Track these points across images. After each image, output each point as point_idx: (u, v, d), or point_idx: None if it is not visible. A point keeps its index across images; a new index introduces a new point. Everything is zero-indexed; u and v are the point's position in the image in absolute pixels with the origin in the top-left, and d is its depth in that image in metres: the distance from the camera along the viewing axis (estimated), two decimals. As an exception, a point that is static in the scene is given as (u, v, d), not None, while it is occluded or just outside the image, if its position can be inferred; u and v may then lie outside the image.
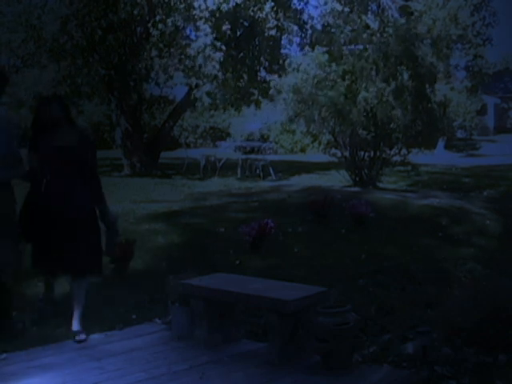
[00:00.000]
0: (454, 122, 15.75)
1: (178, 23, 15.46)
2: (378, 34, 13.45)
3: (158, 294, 5.89)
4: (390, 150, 13.93)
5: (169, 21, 15.30)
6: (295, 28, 17.48)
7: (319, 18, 17.53)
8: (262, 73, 17.85)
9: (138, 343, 4.94)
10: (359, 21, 13.96)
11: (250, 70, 17.22)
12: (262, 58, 17.50)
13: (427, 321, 5.71)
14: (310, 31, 17.82)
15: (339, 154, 14.24)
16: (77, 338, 5.01)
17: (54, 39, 15.74)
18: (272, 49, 17.16)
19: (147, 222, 9.28)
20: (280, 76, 15.76)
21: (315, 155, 21.30)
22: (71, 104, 17.24)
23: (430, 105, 13.51)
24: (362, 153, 13.91)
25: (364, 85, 13.02)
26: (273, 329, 4.61)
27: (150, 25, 15.84)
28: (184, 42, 16.05)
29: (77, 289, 5.17)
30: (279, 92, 14.58)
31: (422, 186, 14.88)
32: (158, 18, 15.74)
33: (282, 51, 17.82)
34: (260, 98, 18.25)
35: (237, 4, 15.13)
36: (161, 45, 16.09)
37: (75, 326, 5.09)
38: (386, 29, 13.63)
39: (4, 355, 4.71)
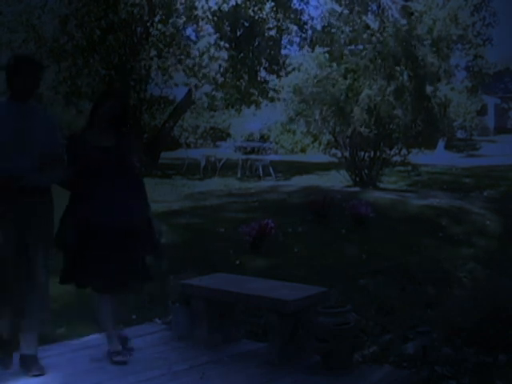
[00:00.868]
0: (454, 122, 15.74)
1: (178, 23, 15.48)
2: (378, 35, 13.46)
3: (158, 294, 5.89)
4: (390, 150, 13.94)
5: (169, 21, 15.33)
6: (295, 28, 17.49)
7: (319, 19, 17.55)
8: (262, 73, 17.87)
9: (138, 343, 4.93)
10: (359, 21, 13.97)
11: (250, 70, 17.23)
12: (262, 59, 17.51)
13: (427, 321, 5.71)
14: (310, 31, 17.83)
15: (339, 154, 14.24)
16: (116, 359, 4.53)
17: (54, 39, 15.76)
18: (272, 49, 17.17)
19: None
20: (279, 76, 15.77)
21: (315, 155, 21.28)
22: (72, 104, 17.28)
23: (430, 105, 13.51)
24: (362, 153, 13.91)
25: (367, 82, 13.03)
26: (273, 329, 4.61)
27: (149, 25, 15.86)
28: (184, 43, 16.07)
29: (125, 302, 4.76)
30: (278, 92, 14.58)
31: (422, 186, 14.88)
32: (157, 18, 15.76)
33: (282, 51, 17.84)
34: (260, 98, 18.27)
35: (237, 4, 15.14)
36: (161, 45, 16.11)
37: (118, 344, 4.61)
38: (386, 29, 13.64)
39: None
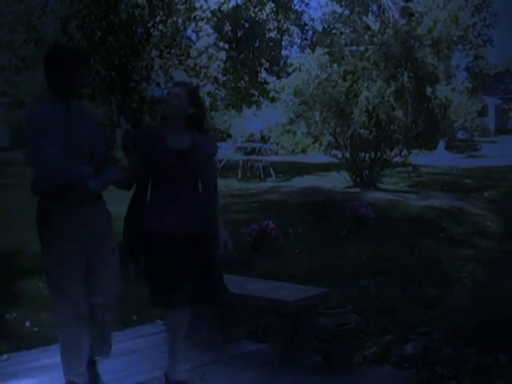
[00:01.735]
0: (454, 122, 15.70)
1: (179, 24, 15.50)
2: (379, 35, 13.46)
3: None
4: (391, 150, 13.93)
5: (169, 22, 15.35)
6: (296, 29, 17.51)
7: (320, 20, 17.57)
8: (263, 74, 17.89)
9: (139, 344, 4.93)
10: (360, 22, 13.97)
11: (250, 71, 17.26)
12: (262, 59, 17.53)
13: (428, 321, 5.71)
14: (310, 33, 17.86)
15: (340, 155, 14.23)
16: None
17: (54, 40, 15.77)
18: (272, 50, 17.20)
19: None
20: (280, 77, 15.77)
21: (316, 156, 21.27)
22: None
23: (430, 106, 13.51)
24: (363, 154, 13.90)
25: (366, 84, 13.03)
26: (273, 329, 4.61)
27: (150, 26, 15.87)
28: (185, 43, 16.09)
29: (205, 318, 4.25)
30: (279, 92, 14.58)
31: (423, 187, 14.86)
32: (158, 18, 15.78)
33: (283, 52, 17.87)
34: (261, 98, 18.29)
35: (237, 4, 15.17)
36: (161, 45, 16.12)
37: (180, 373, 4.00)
38: (387, 30, 13.64)
39: (5, 356, 4.72)
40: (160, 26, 15.53)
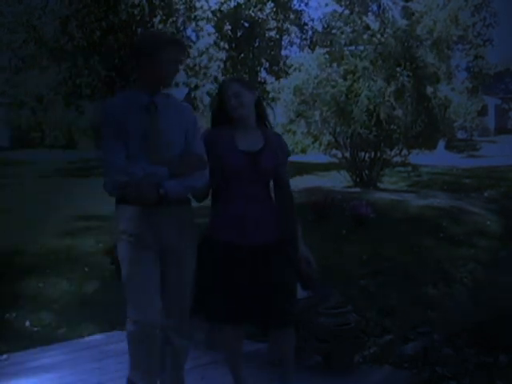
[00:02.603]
0: (454, 122, 15.70)
1: (179, 24, 15.51)
2: (379, 35, 13.46)
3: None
4: (391, 150, 13.93)
5: (169, 21, 15.35)
6: (295, 29, 17.52)
7: (319, 20, 17.57)
8: (263, 73, 17.90)
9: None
10: (360, 21, 13.96)
11: (250, 70, 17.26)
12: (262, 59, 17.54)
13: (428, 321, 5.71)
14: (310, 32, 17.87)
15: (340, 155, 14.23)
16: None
17: (54, 40, 15.78)
18: (272, 50, 17.21)
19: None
20: (279, 78, 15.77)
21: (316, 156, 21.25)
22: (72, 105, 17.29)
23: (430, 105, 13.51)
24: (363, 153, 13.90)
25: (367, 84, 13.03)
26: (273, 329, 4.59)
27: (150, 26, 15.87)
28: (185, 43, 16.10)
29: (284, 341, 3.73)
30: (278, 92, 14.58)
31: (423, 187, 14.86)
32: (158, 18, 15.78)
33: (283, 52, 17.88)
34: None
35: (238, 4, 15.18)
36: (161, 46, 16.12)
37: None
38: (387, 30, 13.64)
39: (5, 356, 4.71)
40: (160, 26, 15.53)
